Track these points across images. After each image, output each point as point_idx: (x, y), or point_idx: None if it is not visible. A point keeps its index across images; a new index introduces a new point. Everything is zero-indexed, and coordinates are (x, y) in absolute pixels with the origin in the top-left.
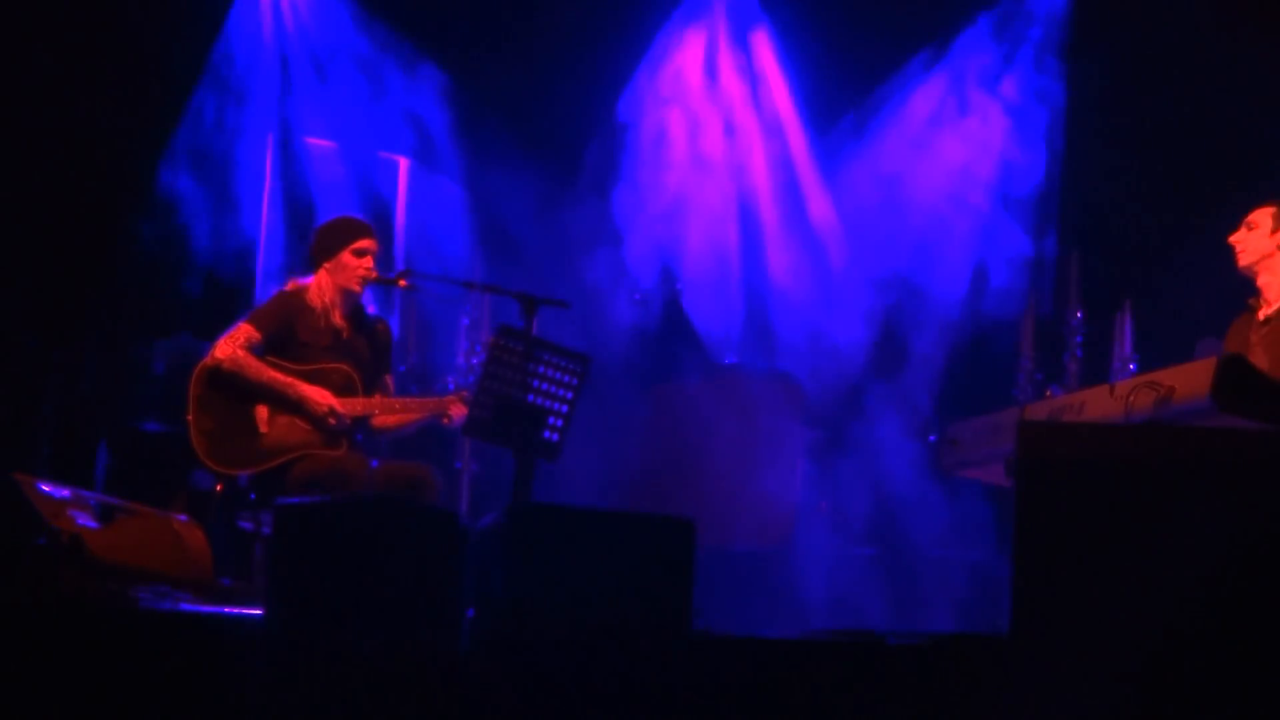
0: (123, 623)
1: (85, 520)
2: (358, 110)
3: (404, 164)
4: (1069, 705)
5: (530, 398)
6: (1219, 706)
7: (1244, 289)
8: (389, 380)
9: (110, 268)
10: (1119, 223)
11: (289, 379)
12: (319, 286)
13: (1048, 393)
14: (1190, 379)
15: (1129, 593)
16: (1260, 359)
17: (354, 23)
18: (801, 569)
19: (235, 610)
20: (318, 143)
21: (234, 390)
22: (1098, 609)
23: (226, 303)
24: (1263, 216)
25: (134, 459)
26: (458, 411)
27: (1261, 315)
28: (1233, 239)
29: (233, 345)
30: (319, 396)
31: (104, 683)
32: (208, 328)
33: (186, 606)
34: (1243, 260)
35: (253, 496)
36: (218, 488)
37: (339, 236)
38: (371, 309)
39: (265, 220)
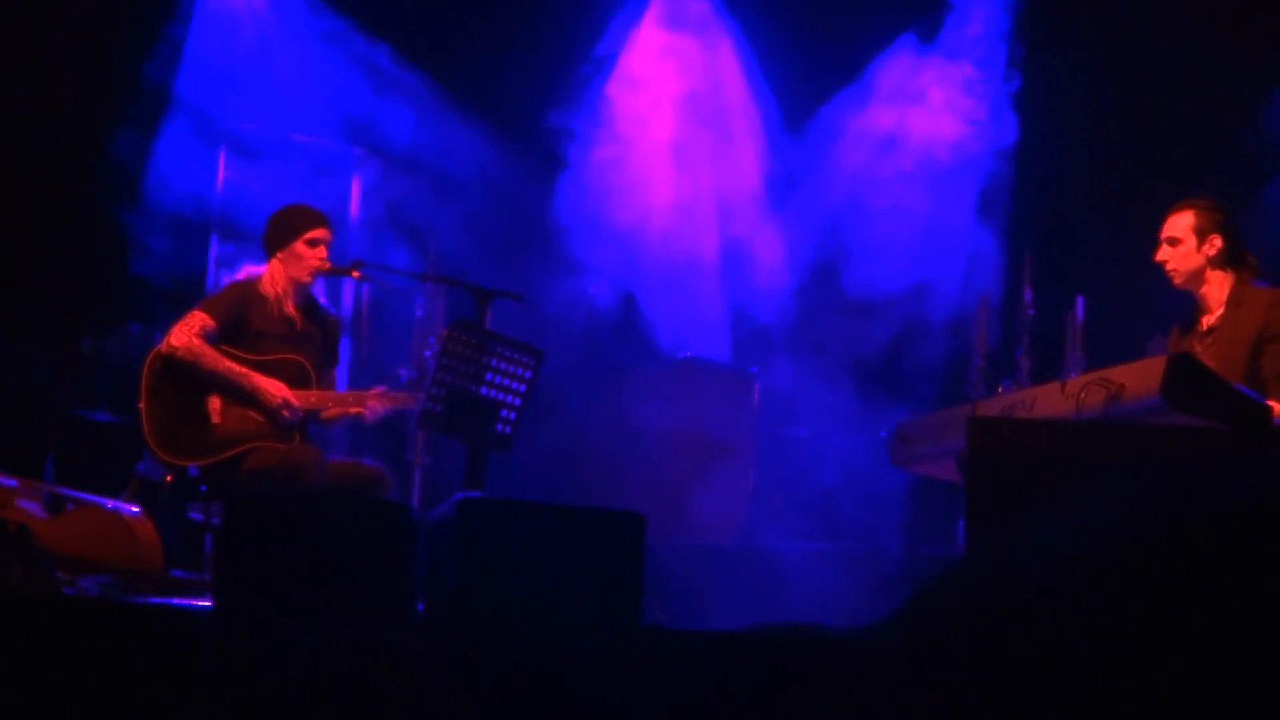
0: (70, 614)
1: (34, 510)
2: (311, 99)
3: (358, 154)
4: (1018, 698)
5: (483, 390)
6: (1167, 700)
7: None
8: (333, 374)
9: (59, 256)
10: (1072, 219)
11: (243, 369)
12: (271, 276)
13: (999, 389)
14: (1141, 377)
15: (1078, 590)
16: None
17: (309, 9)
18: (753, 563)
19: (184, 602)
20: (270, 131)
21: (187, 379)
22: (1046, 605)
23: (178, 292)
24: (1183, 230)
25: (84, 449)
26: (371, 407)
27: (1205, 324)
28: (1159, 258)
29: (188, 333)
30: (273, 388)
31: (51, 675)
32: (158, 317)
33: (135, 598)
34: (1177, 280)
35: (203, 488)
36: (167, 479)
37: (292, 226)
38: (322, 300)
39: (217, 209)
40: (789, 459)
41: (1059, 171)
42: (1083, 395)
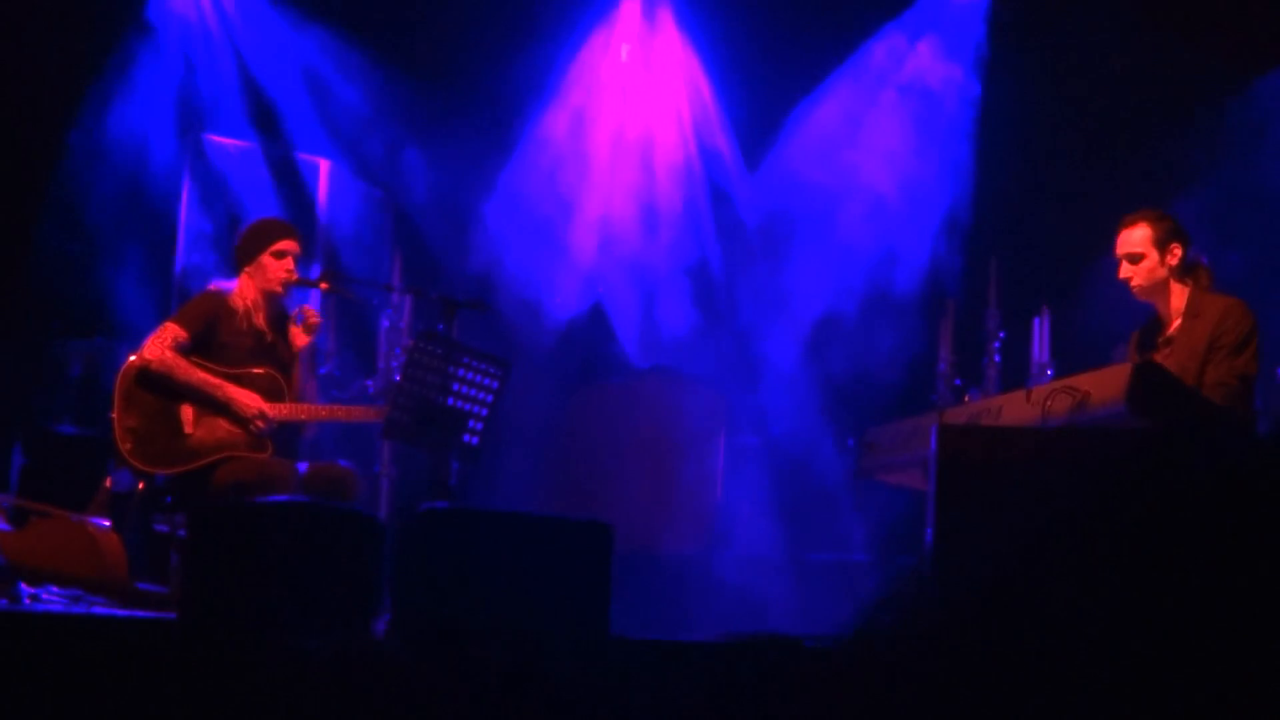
0: (34, 626)
1: None
2: (277, 110)
3: (324, 165)
4: (987, 705)
5: (450, 401)
6: (1132, 705)
7: None
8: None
9: (23, 269)
10: (1037, 227)
11: (217, 380)
12: (241, 289)
13: (965, 397)
14: (1106, 384)
15: (1045, 596)
16: None
17: (279, 21)
18: (720, 573)
19: (149, 614)
20: (235, 143)
21: (161, 390)
22: (1015, 612)
23: (144, 305)
24: (1142, 244)
25: (49, 462)
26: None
27: (1164, 334)
28: (1123, 275)
29: (161, 346)
30: (247, 399)
31: (13, 687)
32: (124, 330)
33: (99, 610)
34: (1141, 295)
35: (169, 500)
36: (139, 486)
37: (260, 238)
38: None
39: (183, 221)
40: (757, 468)
41: (1025, 179)
42: (1049, 403)
